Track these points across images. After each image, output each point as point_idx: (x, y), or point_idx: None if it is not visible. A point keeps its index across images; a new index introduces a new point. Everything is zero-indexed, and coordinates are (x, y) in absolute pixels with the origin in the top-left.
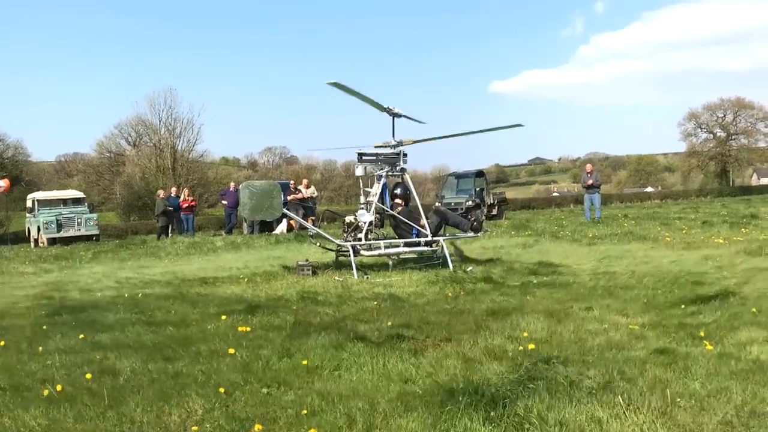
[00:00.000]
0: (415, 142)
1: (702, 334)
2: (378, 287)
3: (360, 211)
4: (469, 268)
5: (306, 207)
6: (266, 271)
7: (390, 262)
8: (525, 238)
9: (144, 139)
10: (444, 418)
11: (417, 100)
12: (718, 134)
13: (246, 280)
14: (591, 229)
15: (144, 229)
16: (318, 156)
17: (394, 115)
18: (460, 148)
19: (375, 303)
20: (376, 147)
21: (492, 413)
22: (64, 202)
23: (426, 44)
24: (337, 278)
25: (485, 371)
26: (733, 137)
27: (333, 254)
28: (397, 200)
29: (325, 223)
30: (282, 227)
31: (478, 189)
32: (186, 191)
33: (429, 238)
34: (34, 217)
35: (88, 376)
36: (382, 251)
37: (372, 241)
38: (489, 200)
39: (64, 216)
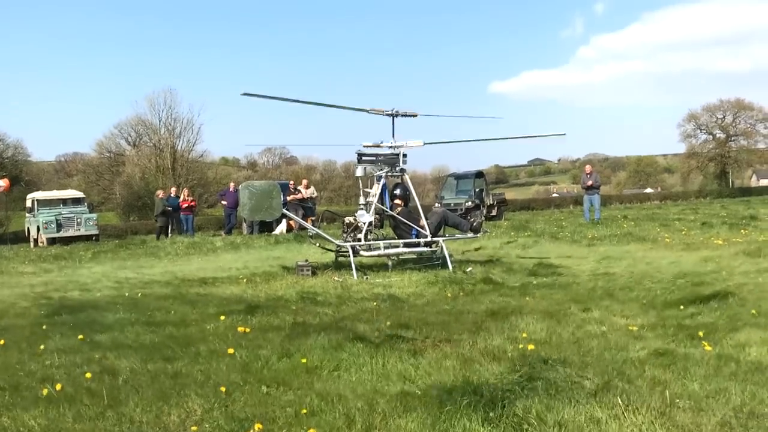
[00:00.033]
0: (426, 143)
1: (701, 335)
2: (377, 288)
3: (359, 212)
4: (469, 269)
5: (306, 207)
6: (266, 271)
7: (389, 263)
8: (524, 239)
9: (144, 139)
10: (443, 419)
11: (417, 101)
12: (718, 135)
13: (245, 280)
14: (590, 230)
15: (144, 229)
16: (318, 156)
17: (394, 116)
18: (459, 149)
19: (374, 303)
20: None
21: (491, 414)
22: (64, 202)
23: (426, 44)
24: (336, 279)
25: (484, 372)
26: (732, 138)
27: (332, 255)
28: (397, 201)
29: (325, 224)
30: (281, 227)
31: (477, 190)
32: (186, 191)
33: (428, 239)
34: (33, 216)
35: (88, 375)
36: (382, 252)
37: (371, 242)
38: (488, 201)
39: (64, 216)
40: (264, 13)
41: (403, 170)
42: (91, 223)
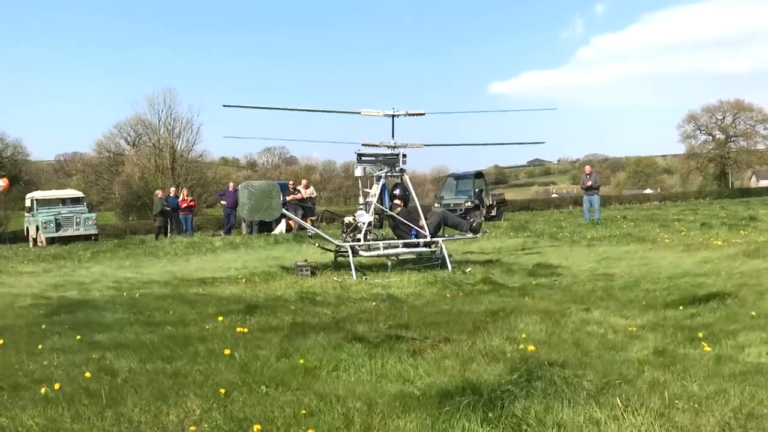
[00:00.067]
0: (417, 146)
1: (700, 335)
2: (377, 288)
3: (359, 212)
4: (468, 269)
5: (305, 207)
6: (265, 271)
7: (389, 263)
8: (524, 240)
9: (143, 139)
10: (442, 419)
11: (417, 101)
12: (717, 136)
13: (244, 280)
14: (590, 231)
15: (143, 229)
16: (317, 157)
17: (393, 116)
18: (459, 149)
19: (373, 304)
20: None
21: (490, 414)
22: (63, 201)
23: (426, 45)
24: (335, 279)
25: (483, 372)
26: (732, 139)
27: (332, 255)
28: (396, 201)
29: (324, 224)
30: (281, 228)
31: (477, 190)
32: (185, 191)
33: (428, 239)
34: (32, 216)
35: (86, 375)
36: (381, 252)
37: (371, 242)
38: (488, 201)
39: (63, 215)
40: (264, 13)
41: (402, 170)
42: (90, 223)
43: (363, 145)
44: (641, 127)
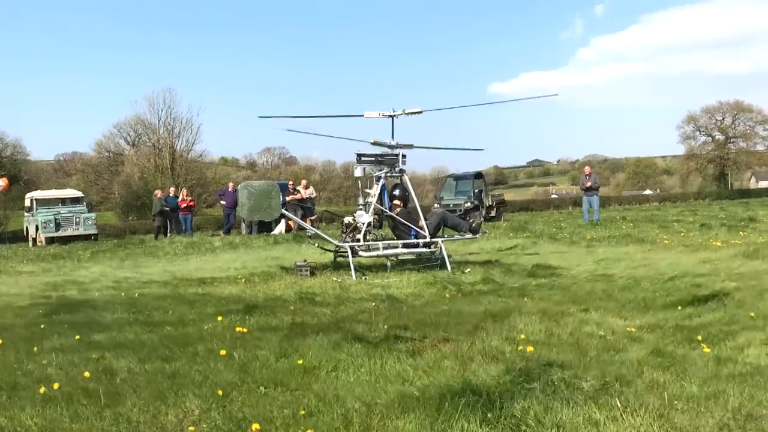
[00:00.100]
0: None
1: (699, 337)
2: (376, 288)
3: (359, 212)
4: (468, 270)
5: (305, 207)
6: (264, 271)
7: (388, 263)
8: (523, 240)
9: (143, 139)
10: (441, 420)
11: (417, 102)
12: (717, 137)
13: (244, 280)
14: (589, 232)
15: (142, 229)
16: (317, 157)
17: (393, 117)
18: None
19: (373, 304)
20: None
21: (489, 415)
22: (63, 201)
23: (426, 46)
24: (335, 279)
25: (482, 373)
26: (731, 140)
27: (331, 255)
28: (396, 201)
29: (324, 224)
30: (280, 228)
31: (476, 190)
32: (184, 191)
33: (427, 240)
34: (32, 216)
35: (85, 375)
36: (381, 252)
37: (370, 242)
38: (487, 202)
39: (63, 215)
40: (264, 14)
41: (402, 171)
42: (89, 223)
43: (372, 143)
44: (641, 128)
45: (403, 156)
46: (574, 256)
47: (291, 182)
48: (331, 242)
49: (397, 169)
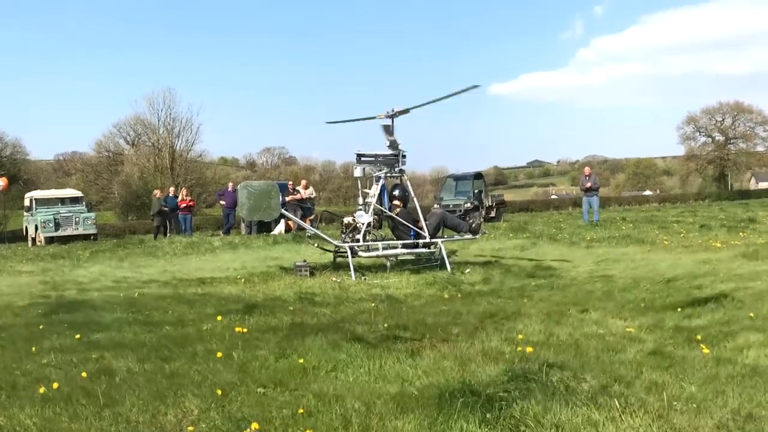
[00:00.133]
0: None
1: (699, 337)
2: (375, 288)
3: (358, 213)
4: (467, 270)
5: (304, 208)
6: (264, 271)
7: (388, 264)
8: (523, 241)
9: (143, 139)
10: (440, 420)
11: (416, 102)
12: (717, 138)
13: (243, 280)
14: (589, 232)
15: (142, 229)
16: (317, 157)
17: (393, 116)
18: (458, 150)
19: (372, 304)
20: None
21: (488, 415)
22: (62, 201)
23: (426, 47)
24: (334, 279)
25: (482, 373)
26: (731, 141)
27: (331, 255)
28: (396, 202)
29: (324, 224)
30: (280, 228)
31: (476, 191)
32: (184, 191)
33: (427, 240)
34: (31, 215)
35: (84, 375)
36: (380, 252)
37: (370, 243)
38: (487, 202)
39: (62, 215)
40: (263, 14)
41: (402, 171)
42: (89, 223)
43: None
44: (641, 129)
45: (403, 156)
46: (573, 257)
47: (291, 182)
48: (331, 242)
49: (396, 169)
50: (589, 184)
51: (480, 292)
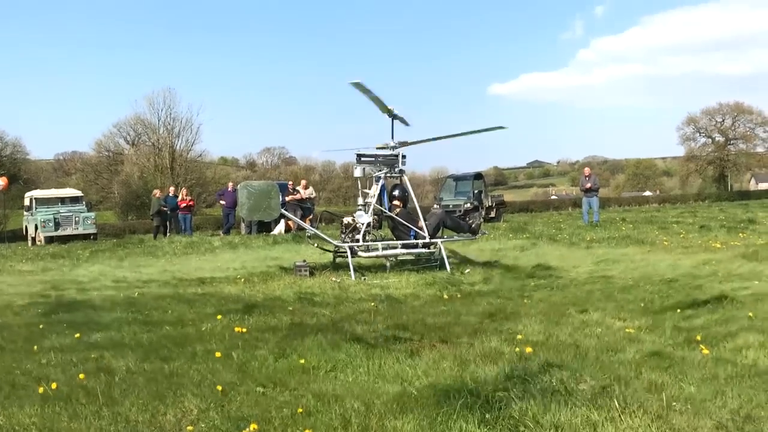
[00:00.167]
0: (410, 143)
1: (698, 338)
2: (375, 288)
3: (358, 213)
4: (467, 270)
5: (304, 208)
6: (263, 271)
7: (387, 264)
8: (523, 241)
9: (143, 139)
10: (439, 420)
11: (416, 102)
12: (717, 139)
13: (243, 280)
14: (589, 233)
15: (142, 229)
16: (317, 157)
17: (393, 117)
18: (458, 150)
19: (372, 304)
20: (378, 149)
21: (487, 415)
22: (62, 200)
23: (426, 47)
24: (334, 279)
25: (481, 373)
26: (731, 142)
27: (330, 255)
28: (396, 202)
29: (323, 224)
30: (280, 228)
31: (476, 191)
32: (184, 191)
33: (427, 240)
34: (31, 215)
35: (84, 375)
36: (380, 252)
37: (370, 243)
38: (487, 203)
39: (62, 214)
40: (263, 14)
41: (402, 171)
42: (89, 222)
43: (378, 148)
44: (641, 130)
45: (403, 156)
46: (573, 257)
47: (290, 182)
48: (331, 242)
49: (396, 169)
50: (588, 185)
51: (480, 292)
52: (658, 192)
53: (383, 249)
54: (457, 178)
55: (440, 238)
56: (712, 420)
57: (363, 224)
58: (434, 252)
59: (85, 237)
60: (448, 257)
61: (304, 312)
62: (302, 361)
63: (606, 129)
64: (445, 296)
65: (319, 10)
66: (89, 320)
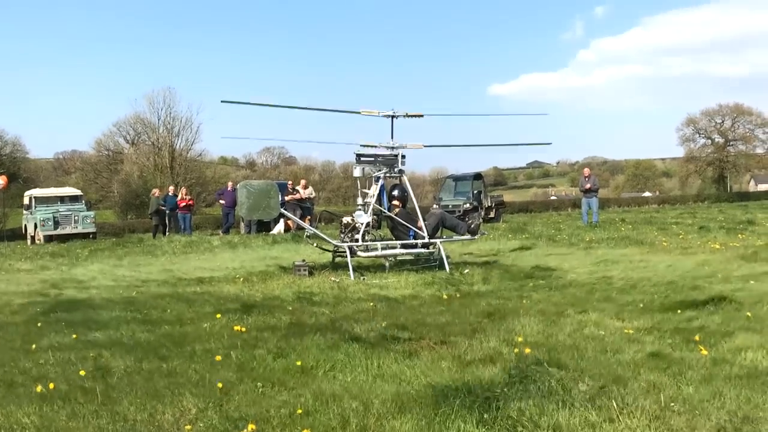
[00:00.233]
0: (424, 146)
1: (697, 338)
2: (374, 288)
3: (357, 212)
4: (466, 271)
5: (304, 207)
6: (263, 271)
7: (386, 264)
8: (522, 242)
9: (142, 138)
10: (438, 420)
11: (416, 102)
12: (716, 140)
13: (242, 279)
14: (588, 233)
15: (141, 228)
16: (317, 157)
17: (393, 117)
18: (458, 150)
19: (371, 304)
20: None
21: (485, 415)
22: (62, 199)
23: (425, 47)
24: (333, 279)
25: (479, 373)
26: (731, 143)
27: (330, 255)
28: (395, 202)
29: (323, 224)
30: (279, 227)
31: (475, 192)
32: (183, 190)
33: (426, 240)
34: (31, 214)
35: (82, 373)
36: (379, 252)
37: (369, 243)
38: (487, 203)
39: (62, 213)
40: (263, 14)
41: (401, 171)
42: (88, 221)
43: (362, 146)
44: (640, 130)
45: (403, 156)
46: (572, 258)
47: (290, 182)
48: (330, 242)
49: (396, 169)
50: (588, 185)
51: (479, 292)
52: (657, 193)
53: (382, 249)
54: (457, 179)
55: (439, 238)
56: (710, 421)
57: (362, 224)
58: (433, 252)
59: (84, 236)
60: (447, 257)
61: (303, 312)
62: (301, 361)
63: (606, 130)
64: (444, 296)
65: (319, 9)
66: (88, 319)
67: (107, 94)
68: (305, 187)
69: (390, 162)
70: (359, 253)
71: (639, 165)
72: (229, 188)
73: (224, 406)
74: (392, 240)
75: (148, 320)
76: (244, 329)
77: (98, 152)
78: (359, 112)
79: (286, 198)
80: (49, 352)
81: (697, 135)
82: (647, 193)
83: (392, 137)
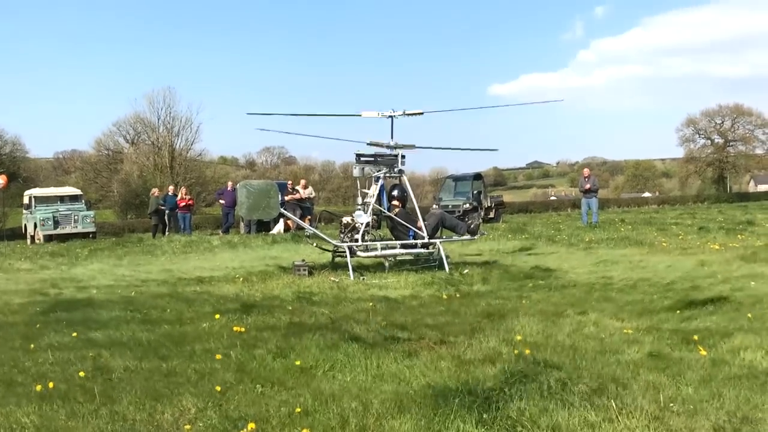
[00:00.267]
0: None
1: (696, 339)
2: (374, 288)
3: (357, 212)
4: (465, 271)
5: (303, 207)
6: (262, 270)
7: (386, 264)
8: (522, 242)
9: (142, 137)
10: (437, 420)
11: (417, 102)
12: (716, 140)
13: (242, 279)
14: (588, 234)
15: (141, 227)
16: (316, 157)
17: (392, 117)
18: (458, 151)
19: (370, 304)
20: (369, 144)
21: (485, 415)
22: (62, 199)
23: (426, 47)
24: (333, 279)
25: (479, 373)
26: (730, 144)
27: (329, 255)
28: (395, 202)
29: (323, 224)
30: (279, 227)
31: (475, 192)
32: (183, 190)
33: (426, 240)
34: (30, 213)
35: (82, 373)
36: (379, 252)
37: (369, 243)
38: (486, 203)
39: (61, 213)
40: (263, 14)
41: (401, 171)
42: (88, 221)
43: (368, 144)
44: (640, 131)
45: (402, 157)
46: (572, 258)
47: (290, 182)
48: (330, 242)
49: (396, 169)
50: (588, 186)
51: (478, 292)
52: (657, 193)
53: (382, 249)
54: (457, 179)
55: (439, 238)
56: (709, 421)
57: (362, 224)
58: (433, 252)
59: (84, 235)
60: (446, 257)
61: (302, 311)
62: (300, 360)
63: (605, 130)
64: (444, 296)
65: (319, 9)
66: (87, 319)
67: (107, 94)
68: (305, 187)
69: (390, 162)
70: (359, 253)
71: (639, 165)
72: (228, 188)
73: (224, 405)
74: (392, 240)
75: (147, 320)
76: (243, 329)
77: (98, 152)
78: (360, 115)
79: (286, 198)
80: (49, 352)
81: (697, 135)
82: (647, 194)
83: (392, 137)
